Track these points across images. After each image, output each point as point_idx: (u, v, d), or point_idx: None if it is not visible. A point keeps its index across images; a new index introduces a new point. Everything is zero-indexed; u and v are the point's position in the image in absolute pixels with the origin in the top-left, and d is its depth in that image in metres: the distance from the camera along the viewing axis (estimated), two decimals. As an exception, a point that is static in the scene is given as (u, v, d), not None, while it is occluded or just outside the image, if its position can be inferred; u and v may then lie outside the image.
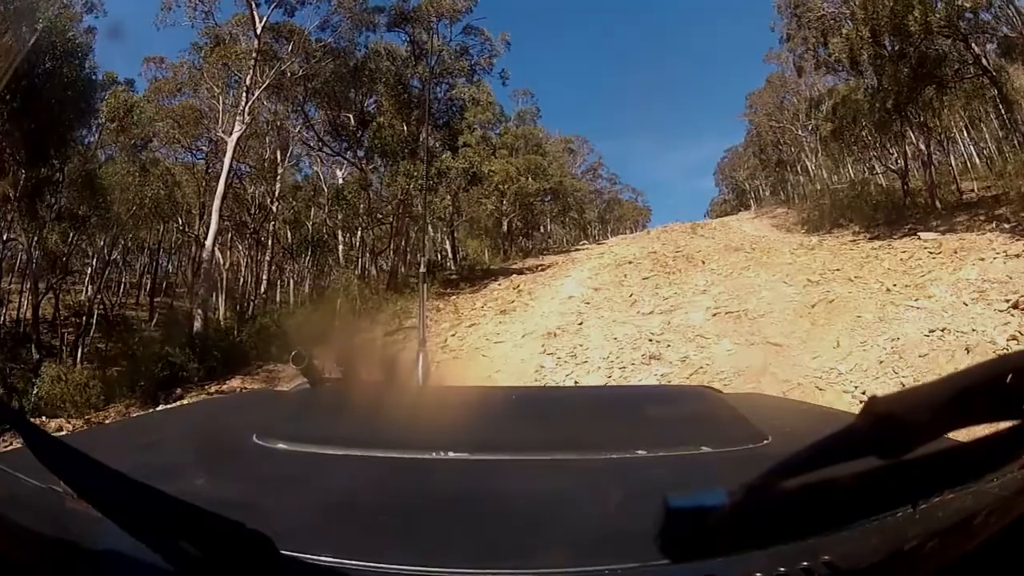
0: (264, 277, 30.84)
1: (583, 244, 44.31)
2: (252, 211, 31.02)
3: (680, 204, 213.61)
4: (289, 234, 34.05)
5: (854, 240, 24.43)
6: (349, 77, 28.49)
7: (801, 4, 29.22)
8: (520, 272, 28.82)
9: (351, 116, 29.46)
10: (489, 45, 31.67)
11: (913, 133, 28.12)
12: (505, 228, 40.71)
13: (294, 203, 32.67)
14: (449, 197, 31.24)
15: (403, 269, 30.88)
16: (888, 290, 14.36)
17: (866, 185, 34.81)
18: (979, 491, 0.95)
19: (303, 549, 0.96)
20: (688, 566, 0.73)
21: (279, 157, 31.01)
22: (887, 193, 31.95)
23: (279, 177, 30.66)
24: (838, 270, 17.33)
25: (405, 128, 28.87)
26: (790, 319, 13.51)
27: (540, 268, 29.23)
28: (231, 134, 24.24)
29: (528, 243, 44.50)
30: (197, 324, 21.26)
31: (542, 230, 51.12)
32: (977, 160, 39.12)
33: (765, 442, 1.61)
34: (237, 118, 24.54)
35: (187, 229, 31.57)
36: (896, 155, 30.33)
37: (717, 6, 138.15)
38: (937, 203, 26.24)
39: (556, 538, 1.13)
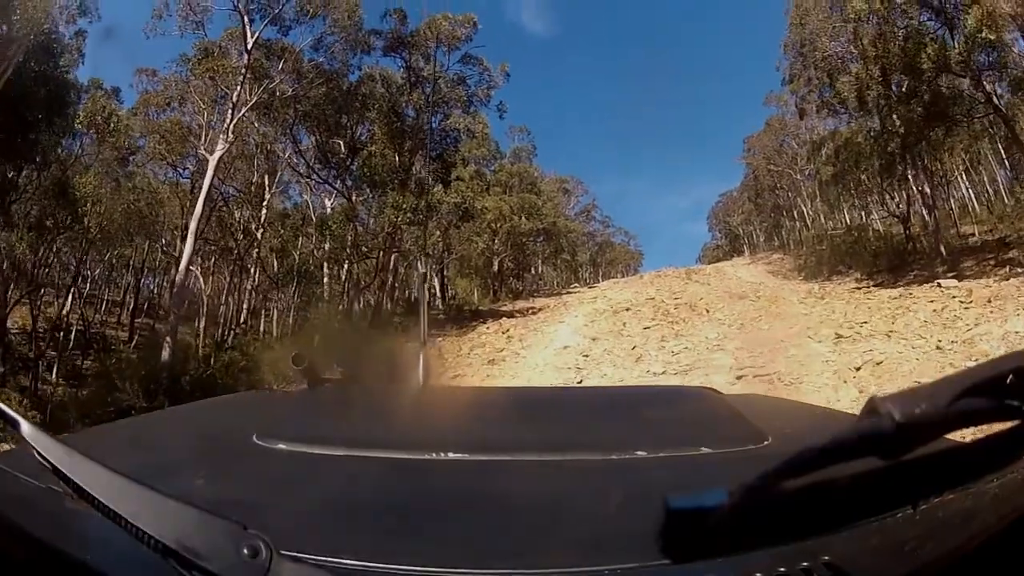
0: (245, 305, 29.65)
1: (574, 287, 43.22)
2: (236, 236, 29.71)
3: (672, 249, 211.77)
4: (275, 263, 32.81)
5: (859, 287, 23.28)
6: (341, 101, 26.83)
7: (807, 43, 28.39)
8: (510, 315, 27.19)
9: (341, 143, 27.78)
10: (488, 75, 30.03)
11: (918, 176, 27.33)
12: (496, 268, 39.05)
13: (282, 231, 31.04)
14: (438, 232, 28.77)
15: (388, 306, 28.94)
16: (939, 348, 12.50)
17: (863, 231, 34.45)
18: (979, 491, 0.93)
19: (303, 549, 0.92)
20: (688, 566, 0.73)
21: (267, 182, 29.84)
22: (884, 239, 31.61)
23: (265, 202, 29.46)
24: (866, 323, 15.36)
25: (397, 158, 27.18)
26: (832, 385, 11.59)
27: (531, 311, 27.58)
28: (214, 152, 22.63)
29: (519, 284, 42.87)
30: (165, 354, 19.11)
31: (533, 271, 49.53)
32: (976, 204, 38.29)
33: (765, 443, 1.56)
34: (221, 136, 22.97)
35: (170, 250, 30.01)
36: (897, 199, 29.92)
37: (714, 48, 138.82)
38: (942, 248, 25.28)
39: (556, 538, 1.09)
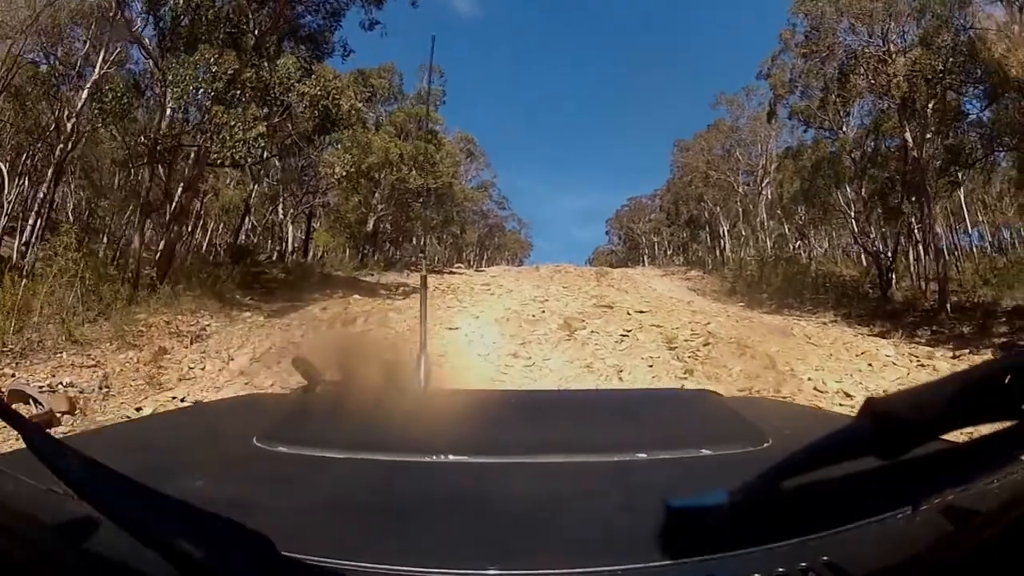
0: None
1: (458, 268, 36.20)
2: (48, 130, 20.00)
3: (559, 246, 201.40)
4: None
5: (875, 334, 16.30)
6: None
7: (816, 30, 22.52)
8: (372, 292, 18.09)
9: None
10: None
11: (925, 209, 20.80)
12: (371, 228, 29.73)
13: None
14: (263, 127, 16.34)
15: (216, 249, 18.70)
16: None
17: (796, 262, 30.17)
18: (979, 491, 0.93)
19: (303, 550, 0.90)
20: (688, 566, 0.74)
21: (103, 55, 18.73)
22: (827, 277, 27.28)
23: (89, 84, 18.35)
24: None
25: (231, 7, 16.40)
26: None
27: (402, 292, 18.38)
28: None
29: (396, 253, 33.53)
30: None
31: (414, 241, 39.87)
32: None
33: (766, 444, 1.49)
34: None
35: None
36: (874, 235, 24.37)
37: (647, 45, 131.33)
38: (948, 304, 19.07)
39: (557, 539, 1.06)
